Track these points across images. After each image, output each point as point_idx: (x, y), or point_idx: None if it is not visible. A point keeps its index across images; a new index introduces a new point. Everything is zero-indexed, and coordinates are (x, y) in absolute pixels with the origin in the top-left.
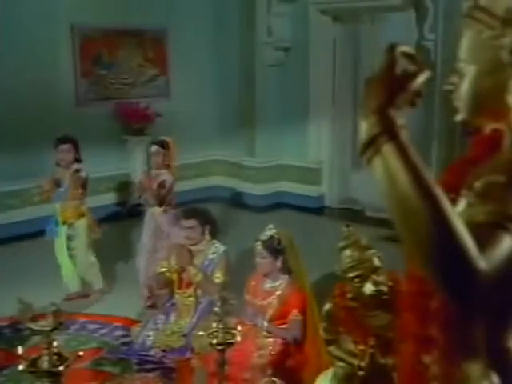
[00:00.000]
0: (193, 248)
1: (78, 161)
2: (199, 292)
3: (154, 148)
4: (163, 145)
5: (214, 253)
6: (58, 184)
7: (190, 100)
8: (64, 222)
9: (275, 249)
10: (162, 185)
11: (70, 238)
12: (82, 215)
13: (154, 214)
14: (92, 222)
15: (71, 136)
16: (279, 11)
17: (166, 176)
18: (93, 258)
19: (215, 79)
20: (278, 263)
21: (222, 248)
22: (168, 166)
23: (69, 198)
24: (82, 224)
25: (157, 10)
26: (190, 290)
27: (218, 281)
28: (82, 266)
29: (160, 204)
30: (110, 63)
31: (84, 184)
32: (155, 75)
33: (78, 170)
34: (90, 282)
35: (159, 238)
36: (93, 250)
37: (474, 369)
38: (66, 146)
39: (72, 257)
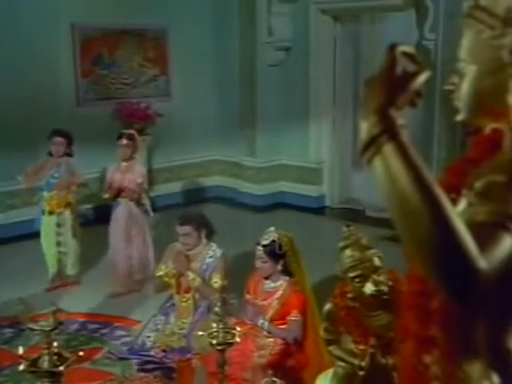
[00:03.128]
0: (190, 253)
1: (68, 154)
2: (197, 296)
3: (125, 141)
4: (131, 137)
5: (211, 256)
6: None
7: (190, 100)
8: (50, 212)
9: (276, 254)
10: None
11: (58, 225)
12: (68, 204)
13: (129, 205)
14: (75, 215)
15: (67, 131)
16: (280, 11)
17: (139, 168)
18: (77, 247)
19: (215, 79)
20: (279, 267)
21: (219, 252)
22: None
23: (56, 188)
24: (68, 213)
25: (157, 10)
26: (189, 295)
27: (216, 285)
28: (68, 252)
29: (136, 196)
30: (110, 63)
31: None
32: (155, 75)
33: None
34: (70, 267)
35: (132, 225)
36: (79, 239)
37: (475, 369)
38: (58, 139)
39: (59, 243)
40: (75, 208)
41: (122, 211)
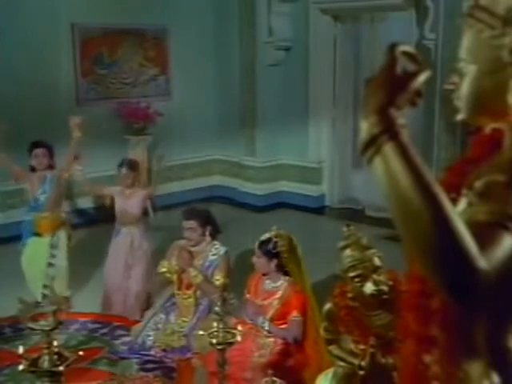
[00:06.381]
0: (193, 249)
1: (51, 167)
2: (199, 293)
3: (125, 170)
4: (132, 166)
5: (214, 254)
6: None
7: (190, 100)
8: (39, 234)
9: (269, 251)
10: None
11: (52, 247)
12: (62, 224)
13: (130, 231)
14: (70, 233)
15: (45, 141)
16: (280, 10)
17: (142, 193)
18: (68, 268)
19: (215, 79)
20: (272, 265)
21: (222, 249)
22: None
23: (48, 209)
24: (62, 233)
25: (157, 10)
26: (190, 292)
27: (217, 283)
28: (58, 275)
29: (138, 221)
30: (110, 63)
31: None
32: (156, 75)
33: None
34: (61, 289)
35: (134, 255)
36: (69, 258)
37: (475, 368)
38: (40, 151)
39: (51, 265)
40: (69, 227)
41: (123, 241)
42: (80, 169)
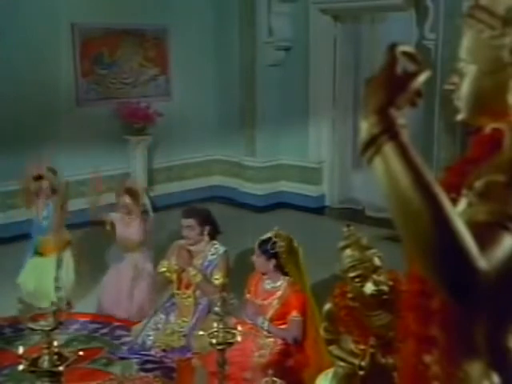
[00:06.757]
0: (192, 248)
1: (54, 191)
2: (198, 293)
3: (127, 200)
4: (131, 194)
5: (213, 254)
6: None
7: (190, 100)
8: (43, 254)
9: (267, 251)
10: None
11: (58, 268)
12: (66, 244)
13: (134, 257)
14: (78, 251)
15: (51, 167)
16: (280, 11)
17: (138, 222)
18: (73, 283)
19: (215, 79)
20: (271, 265)
21: (221, 249)
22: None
23: (50, 233)
24: (68, 254)
25: (157, 10)
26: (189, 291)
27: (217, 282)
28: (65, 297)
29: (139, 246)
30: (110, 63)
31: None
32: (156, 75)
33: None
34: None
35: (139, 275)
36: (77, 270)
37: (475, 368)
38: (44, 183)
39: (58, 289)
40: (74, 245)
41: (126, 268)
42: (95, 195)
